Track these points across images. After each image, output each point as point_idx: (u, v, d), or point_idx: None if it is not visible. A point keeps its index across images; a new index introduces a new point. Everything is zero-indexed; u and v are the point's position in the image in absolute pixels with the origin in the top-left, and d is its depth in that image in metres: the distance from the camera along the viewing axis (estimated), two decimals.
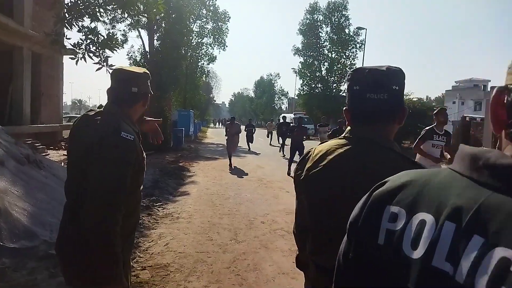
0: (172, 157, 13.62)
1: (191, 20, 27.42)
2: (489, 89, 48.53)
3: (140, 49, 17.37)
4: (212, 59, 29.86)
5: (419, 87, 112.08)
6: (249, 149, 18.30)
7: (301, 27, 34.22)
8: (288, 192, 8.23)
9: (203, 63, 29.97)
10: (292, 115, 32.34)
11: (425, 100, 22.59)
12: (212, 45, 29.24)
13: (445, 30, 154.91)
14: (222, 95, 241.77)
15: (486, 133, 15.79)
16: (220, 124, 65.41)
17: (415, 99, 21.27)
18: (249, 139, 18.55)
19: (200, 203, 7.10)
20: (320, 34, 34.14)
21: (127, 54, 20.61)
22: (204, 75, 33.18)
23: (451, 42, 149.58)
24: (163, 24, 16.92)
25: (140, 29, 17.97)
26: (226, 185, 8.92)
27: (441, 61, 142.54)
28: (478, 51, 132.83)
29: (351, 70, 1.30)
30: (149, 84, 1.86)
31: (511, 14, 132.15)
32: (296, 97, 52.13)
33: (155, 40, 17.08)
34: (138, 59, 19.06)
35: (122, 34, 19.28)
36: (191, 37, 27.35)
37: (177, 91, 24.07)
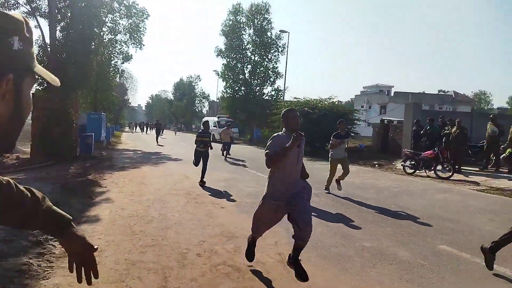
0: (79, 168, 11.46)
1: (102, 13, 24.77)
2: (392, 94, 53.13)
3: (39, 41, 14.61)
4: (127, 58, 27.29)
5: (333, 91, 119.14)
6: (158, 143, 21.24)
7: (223, 28, 33.23)
8: (223, 208, 7.04)
9: (117, 62, 27.25)
10: (215, 118, 31.14)
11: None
12: (128, 43, 26.69)
13: (356, 38, 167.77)
14: (139, 98, 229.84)
15: (405, 134, 16.42)
16: (137, 128, 60.95)
17: (342, 103, 21.63)
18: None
19: (114, 231, 5.53)
20: (243, 36, 33.54)
21: None
22: (118, 75, 30.29)
23: (362, 49, 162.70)
24: (68, 13, 14.49)
25: (38, 18, 15.19)
26: (147, 203, 7.38)
27: (351, 67, 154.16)
28: (383, 58, 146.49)
29: None
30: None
31: (411, 24, 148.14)
32: (218, 100, 51.12)
33: (57, 31, 14.54)
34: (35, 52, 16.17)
35: None
36: (102, 32, 24.63)
37: (86, 91, 21.25)
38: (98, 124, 20.94)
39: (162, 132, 34.37)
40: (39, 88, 14.40)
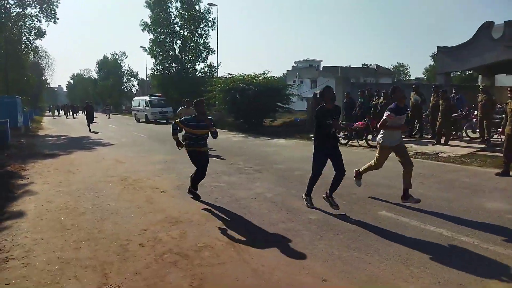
0: None
1: None
2: (321, 69, 54.95)
3: None
4: (40, 33, 24.57)
5: (266, 66, 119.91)
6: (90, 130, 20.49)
7: (148, 0, 31.23)
8: (164, 192, 6.70)
9: (29, 38, 24.39)
10: (147, 98, 29.65)
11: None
12: (39, 17, 23.95)
13: (285, 12, 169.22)
14: (58, 78, 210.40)
15: None
16: (60, 111, 54.66)
17: (275, 78, 21.70)
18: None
19: (41, 227, 4.96)
20: (170, 9, 31.86)
21: None
22: (32, 53, 27.26)
23: (291, 24, 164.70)
24: None
25: None
26: (77, 193, 6.76)
27: (282, 42, 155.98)
28: (313, 33, 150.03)
29: None
30: None
31: (337, 1, 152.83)
32: (148, 78, 48.67)
33: None
34: None
35: None
36: (6, 3, 21.79)
37: None
38: (12, 108, 18.81)
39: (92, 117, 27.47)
40: None
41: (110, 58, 63.74)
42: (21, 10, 23.38)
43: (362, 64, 64.36)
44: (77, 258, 3.96)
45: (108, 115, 41.19)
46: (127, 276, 3.54)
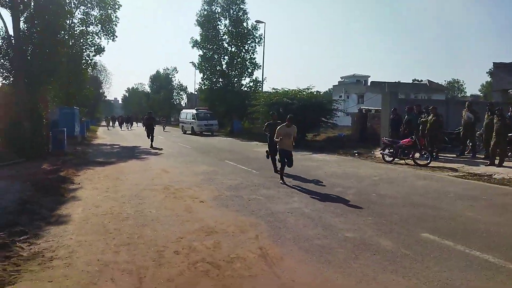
0: (51, 165, 10.97)
1: (73, 5, 23.79)
2: (369, 84, 53.77)
3: (1, 33, 13.77)
4: (100, 50, 26.34)
5: (312, 81, 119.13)
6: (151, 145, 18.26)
7: (198, 19, 32.48)
8: (203, 203, 6.83)
9: (89, 54, 26.25)
10: (194, 111, 30.65)
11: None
12: (100, 34, 25.75)
13: (334, 27, 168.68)
14: (114, 91, 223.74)
15: (383, 123, 16.55)
16: (115, 123, 51.22)
17: (320, 93, 21.58)
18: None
19: (86, 230, 5.25)
20: (219, 27, 32.86)
21: None
22: (91, 68, 29.26)
23: (338, 39, 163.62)
24: (31, 3, 13.72)
25: (0, 8, 14.33)
26: (122, 199, 7.10)
27: (328, 57, 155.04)
28: (361, 49, 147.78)
29: None
30: None
31: (384, 15, 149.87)
32: (196, 92, 50.32)
33: (21, 22, 13.75)
34: None
35: None
36: (71, 22, 23.68)
37: (57, 85, 20.40)
38: (71, 119, 20.20)
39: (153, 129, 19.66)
40: (4, 82, 13.67)
41: (162, 73, 66.84)
42: (84, 28, 25.37)
43: (413, 80, 62.14)
44: (116, 261, 4.13)
45: (163, 127, 39.67)
46: (160, 282, 3.63)
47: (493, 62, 19.97)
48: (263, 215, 5.95)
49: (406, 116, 13.81)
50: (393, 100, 16.73)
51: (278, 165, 9.41)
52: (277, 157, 9.52)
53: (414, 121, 13.50)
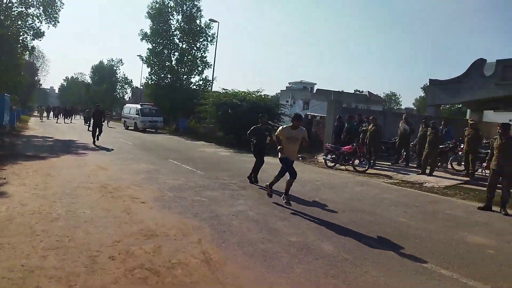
0: None
1: None
2: (315, 91, 55.63)
3: None
4: (39, 34, 24.36)
5: (261, 85, 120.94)
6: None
7: (149, 11, 31.29)
8: (143, 203, 6.50)
9: (26, 38, 24.13)
10: (138, 106, 29.46)
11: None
12: (40, 18, 23.82)
13: (283, 34, 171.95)
14: (51, 79, 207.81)
15: (327, 129, 17.13)
16: (50, 114, 46.18)
17: (269, 96, 21.79)
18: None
19: (10, 231, 4.73)
20: (171, 21, 31.94)
21: None
22: (28, 52, 26.97)
23: (288, 45, 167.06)
24: None
25: None
26: (53, 197, 6.52)
27: (278, 62, 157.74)
28: (309, 56, 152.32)
29: None
30: None
31: (333, 25, 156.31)
32: (142, 87, 48.48)
33: None
34: None
35: None
36: (9, 2, 21.68)
37: None
38: (0, 106, 18.42)
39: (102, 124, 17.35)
40: None
41: (106, 64, 63.52)
42: (23, 9, 23.30)
43: (355, 90, 65.34)
44: (43, 267, 3.76)
45: (107, 122, 32.31)
46: None
47: (430, 79, 21.55)
48: (207, 218, 5.80)
49: (346, 124, 14.43)
50: (337, 108, 17.40)
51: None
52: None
53: (353, 129, 14.13)
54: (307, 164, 13.73)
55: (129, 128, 29.37)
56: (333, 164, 12.88)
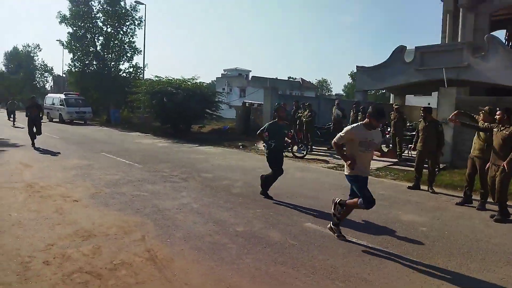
0: None
1: None
2: (250, 79, 56.00)
3: None
4: None
5: (195, 72, 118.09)
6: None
7: None
8: (76, 202, 6.04)
9: None
10: (62, 96, 27.20)
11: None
12: None
13: (219, 20, 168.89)
14: None
15: (265, 117, 17.36)
16: None
17: (205, 84, 21.39)
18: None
19: None
20: (92, 3, 29.69)
21: None
22: None
23: (224, 31, 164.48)
24: None
25: None
26: None
27: (212, 49, 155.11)
28: (243, 42, 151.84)
29: None
30: None
31: (266, 13, 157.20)
32: (65, 75, 44.80)
33: None
34: None
35: None
36: None
37: None
38: None
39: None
40: None
41: (21, 50, 57.62)
42: None
43: (288, 77, 66.94)
44: None
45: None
46: None
47: (357, 66, 22.71)
48: (149, 213, 5.56)
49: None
50: (274, 95, 17.70)
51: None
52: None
53: (288, 115, 14.53)
54: (247, 152, 13.82)
55: (54, 120, 27.07)
56: None
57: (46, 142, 14.13)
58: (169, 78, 20.27)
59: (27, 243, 4.24)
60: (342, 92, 68.50)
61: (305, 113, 13.76)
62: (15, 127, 21.17)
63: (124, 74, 30.79)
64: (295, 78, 65.00)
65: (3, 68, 61.06)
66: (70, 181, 7.54)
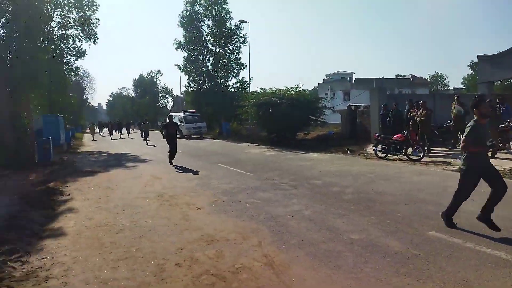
0: (39, 176, 10.58)
1: (50, 8, 23.16)
2: (354, 81, 54.13)
3: None
4: (81, 53, 25.77)
5: (298, 80, 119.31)
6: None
7: (181, 20, 32.22)
8: (200, 209, 6.61)
9: (70, 59, 25.62)
10: (181, 114, 30.28)
11: None
12: (80, 37, 25.17)
13: (315, 26, 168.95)
14: (98, 96, 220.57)
15: (373, 119, 16.56)
16: (103, 130, 46.02)
17: (307, 91, 21.54)
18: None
19: (80, 245, 4.99)
20: (202, 27, 32.67)
21: None
22: (73, 73, 28.61)
23: (322, 37, 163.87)
24: (9, 8, 13.28)
25: None
26: (115, 209, 6.83)
27: (312, 56, 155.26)
28: (344, 45, 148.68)
29: None
30: None
31: (367, 12, 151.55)
32: (182, 95, 49.85)
33: None
34: None
35: None
36: (50, 27, 23.10)
37: (39, 92, 19.85)
38: (55, 127, 19.69)
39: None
40: None
41: (146, 77, 66.15)
42: (63, 32, 24.76)
43: (396, 75, 62.81)
44: (115, 278, 3.91)
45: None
46: None
47: (477, 55, 20.17)
48: (263, 220, 5.78)
49: (392, 111, 13.89)
50: (382, 96, 16.77)
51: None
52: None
53: (399, 116, 13.60)
54: (356, 157, 13.35)
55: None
56: (384, 154, 12.41)
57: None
58: (273, 89, 20.93)
59: (161, 247, 4.79)
60: (461, 86, 61.35)
61: (419, 112, 12.71)
62: (149, 145, 24.20)
63: (232, 89, 32.89)
64: (404, 75, 60.69)
65: (133, 94, 70.77)
66: (193, 190, 8.31)
